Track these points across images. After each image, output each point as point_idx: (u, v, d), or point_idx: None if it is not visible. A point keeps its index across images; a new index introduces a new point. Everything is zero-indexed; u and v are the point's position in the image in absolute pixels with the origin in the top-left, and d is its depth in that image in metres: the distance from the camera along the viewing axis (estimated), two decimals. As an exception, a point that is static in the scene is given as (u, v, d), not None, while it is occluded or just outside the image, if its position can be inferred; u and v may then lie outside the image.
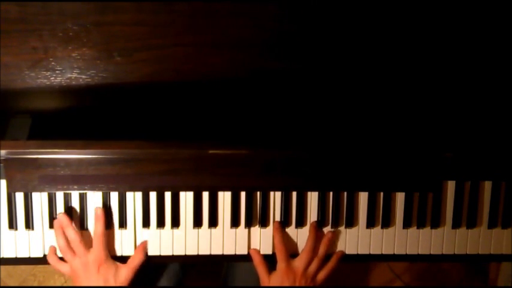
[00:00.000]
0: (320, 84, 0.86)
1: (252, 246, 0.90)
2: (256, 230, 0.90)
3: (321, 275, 0.88)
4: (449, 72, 0.87)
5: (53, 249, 0.87)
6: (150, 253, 0.89)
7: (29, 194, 0.87)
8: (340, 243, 0.92)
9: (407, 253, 0.92)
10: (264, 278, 0.88)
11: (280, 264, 0.87)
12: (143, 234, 0.89)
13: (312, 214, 0.91)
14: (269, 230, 0.90)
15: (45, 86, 0.83)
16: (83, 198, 0.88)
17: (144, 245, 0.88)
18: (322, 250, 0.89)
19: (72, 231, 0.85)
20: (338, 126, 0.90)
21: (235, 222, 0.90)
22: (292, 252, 0.90)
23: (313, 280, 0.87)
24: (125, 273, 0.85)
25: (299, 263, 0.87)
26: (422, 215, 0.91)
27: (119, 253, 0.89)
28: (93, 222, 0.87)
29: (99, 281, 0.83)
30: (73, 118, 0.87)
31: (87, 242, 0.87)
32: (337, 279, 1.56)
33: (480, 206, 0.92)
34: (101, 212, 0.86)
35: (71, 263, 0.85)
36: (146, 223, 0.89)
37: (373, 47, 0.84)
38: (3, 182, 0.86)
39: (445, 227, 0.92)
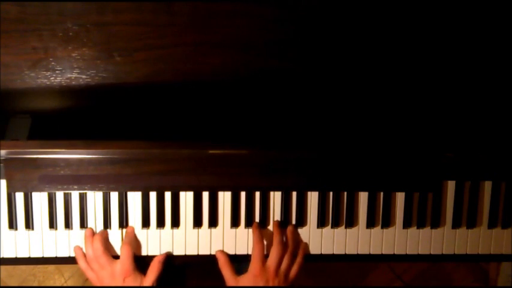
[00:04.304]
0: (320, 85, 0.86)
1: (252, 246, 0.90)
2: (256, 230, 0.90)
3: (293, 272, 0.86)
4: (449, 72, 0.87)
5: (81, 253, 0.88)
6: (150, 253, 0.89)
7: (29, 194, 0.87)
8: (340, 243, 0.92)
9: (408, 253, 0.92)
10: (230, 279, 0.86)
11: (255, 264, 0.85)
12: (143, 234, 0.89)
13: (312, 214, 0.91)
14: (269, 230, 0.90)
15: (45, 86, 0.83)
16: (83, 198, 0.88)
17: (162, 256, 0.88)
18: (290, 245, 0.88)
19: (97, 243, 0.85)
20: (338, 126, 0.90)
21: (235, 222, 0.90)
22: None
23: (286, 279, 0.85)
24: (148, 284, 0.85)
25: (271, 262, 0.85)
26: (422, 215, 0.91)
27: (119, 253, 0.89)
28: (94, 226, 0.87)
29: None
30: (73, 118, 0.87)
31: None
32: (337, 279, 1.56)
33: (480, 206, 0.92)
34: (131, 228, 0.88)
35: (98, 273, 0.85)
36: (146, 223, 0.89)
37: (374, 47, 0.84)
38: (3, 182, 0.86)
39: (445, 227, 0.92)
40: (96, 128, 0.87)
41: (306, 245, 0.91)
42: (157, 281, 0.86)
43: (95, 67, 0.82)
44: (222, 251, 0.89)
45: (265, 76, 0.85)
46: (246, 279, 0.85)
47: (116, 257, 0.88)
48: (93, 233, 0.88)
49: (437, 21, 0.83)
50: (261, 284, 0.83)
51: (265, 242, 0.88)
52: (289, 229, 0.89)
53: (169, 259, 0.89)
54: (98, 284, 0.86)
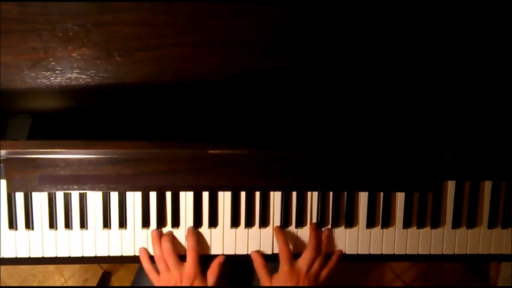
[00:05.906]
0: (320, 84, 0.86)
1: (252, 246, 0.90)
2: (256, 230, 0.90)
3: (324, 274, 0.88)
4: (449, 72, 0.87)
5: (146, 254, 0.88)
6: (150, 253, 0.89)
7: (29, 194, 0.87)
8: (340, 243, 0.92)
9: (408, 253, 0.92)
10: (265, 280, 0.87)
11: (283, 266, 0.86)
12: (143, 234, 0.89)
13: (312, 214, 0.91)
14: (269, 230, 0.90)
15: (45, 86, 0.83)
16: (83, 198, 0.88)
17: (221, 259, 0.88)
18: (323, 249, 0.89)
19: (167, 243, 0.86)
20: (338, 126, 0.90)
21: (235, 222, 0.90)
22: (293, 252, 0.89)
23: (316, 280, 0.87)
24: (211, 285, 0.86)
25: (302, 263, 0.87)
26: (422, 215, 0.91)
27: (118, 253, 0.89)
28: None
29: None
30: (73, 118, 0.87)
31: (88, 242, 0.88)
32: (337, 279, 1.56)
33: (480, 206, 0.92)
34: (193, 229, 0.88)
35: (164, 275, 0.86)
36: (146, 223, 0.89)
37: (373, 47, 0.84)
38: (3, 182, 0.86)
39: (445, 227, 0.92)
40: (96, 128, 0.87)
41: (340, 250, 0.91)
42: (217, 282, 0.87)
43: (95, 67, 0.82)
44: (258, 252, 0.90)
45: (265, 76, 0.85)
46: (277, 279, 0.86)
47: (118, 258, 0.88)
48: (160, 234, 0.88)
49: (437, 19, 0.83)
50: (290, 284, 0.85)
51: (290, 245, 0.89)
52: (325, 233, 0.90)
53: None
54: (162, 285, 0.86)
